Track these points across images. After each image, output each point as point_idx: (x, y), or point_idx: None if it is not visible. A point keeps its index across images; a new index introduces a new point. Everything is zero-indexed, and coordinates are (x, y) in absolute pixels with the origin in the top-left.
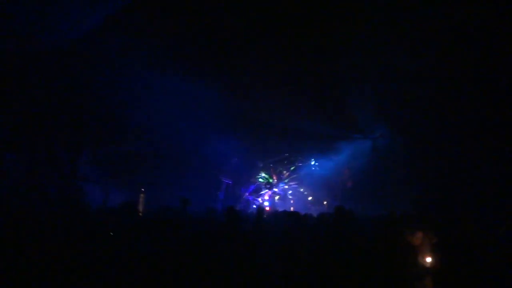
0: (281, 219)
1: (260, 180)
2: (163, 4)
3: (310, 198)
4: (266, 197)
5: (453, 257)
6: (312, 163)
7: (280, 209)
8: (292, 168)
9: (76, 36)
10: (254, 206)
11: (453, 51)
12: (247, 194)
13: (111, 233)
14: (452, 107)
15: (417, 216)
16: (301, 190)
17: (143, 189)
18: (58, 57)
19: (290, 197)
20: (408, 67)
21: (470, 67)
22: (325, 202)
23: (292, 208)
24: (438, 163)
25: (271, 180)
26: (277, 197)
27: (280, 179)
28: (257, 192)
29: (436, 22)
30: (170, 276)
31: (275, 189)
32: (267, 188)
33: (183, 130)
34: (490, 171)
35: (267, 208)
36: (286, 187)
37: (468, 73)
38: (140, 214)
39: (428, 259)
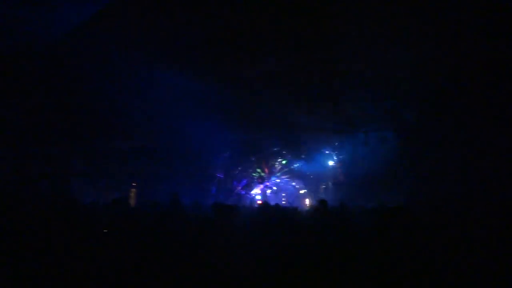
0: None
1: (252, 174)
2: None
3: (302, 191)
4: (258, 191)
5: (445, 251)
6: (304, 156)
7: (272, 202)
8: (284, 162)
9: (68, 30)
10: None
11: (450, 46)
12: (239, 188)
13: (105, 230)
14: (444, 101)
15: (408, 209)
16: (293, 183)
17: (134, 184)
18: (51, 51)
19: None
20: (403, 61)
21: (464, 62)
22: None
23: (284, 202)
24: (430, 156)
25: (263, 174)
26: (269, 191)
27: (272, 173)
28: (249, 186)
29: (435, 17)
30: (163, 271)
31: (267, 183)
32: (259, 182)
33: (175, 125)
34: (481, 166)
35: (259, 202)
36: (278, 180)
37: (462, 67)
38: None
39: (419, 252)
